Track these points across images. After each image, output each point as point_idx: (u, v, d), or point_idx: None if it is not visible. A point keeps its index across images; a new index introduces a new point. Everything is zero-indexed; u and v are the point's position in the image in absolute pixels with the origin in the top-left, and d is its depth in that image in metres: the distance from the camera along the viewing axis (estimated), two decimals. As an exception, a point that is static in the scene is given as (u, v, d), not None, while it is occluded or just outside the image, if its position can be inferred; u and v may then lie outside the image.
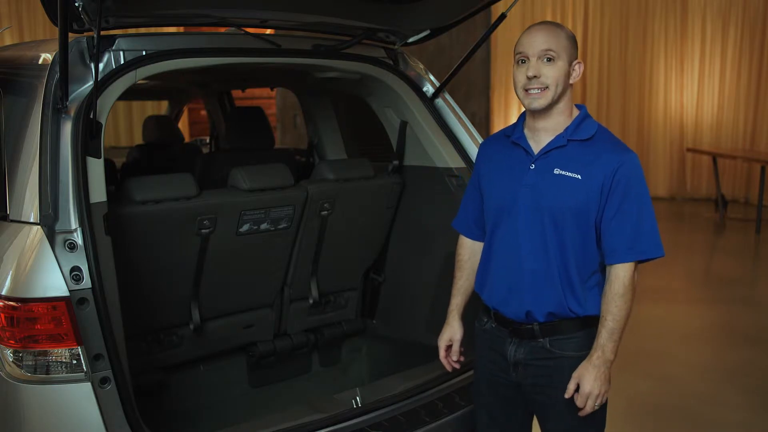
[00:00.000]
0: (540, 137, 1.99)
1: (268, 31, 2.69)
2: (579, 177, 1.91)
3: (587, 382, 1.90)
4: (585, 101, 10.63)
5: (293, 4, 2.38)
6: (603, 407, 2.01)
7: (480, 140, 2.81)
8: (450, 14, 2.61)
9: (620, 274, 1.90)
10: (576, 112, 2.00)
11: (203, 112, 7.84)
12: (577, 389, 1.93)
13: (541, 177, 1.96)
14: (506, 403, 2.12)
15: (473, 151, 2.77)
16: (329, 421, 2.21)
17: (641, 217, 1.90)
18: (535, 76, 1.90)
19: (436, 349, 2.50)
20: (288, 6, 2.39)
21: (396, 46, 2.79)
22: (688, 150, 9.72)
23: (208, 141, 5.60)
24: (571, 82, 1.95)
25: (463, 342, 2.23)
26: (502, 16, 2.62)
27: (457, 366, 2.26)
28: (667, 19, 10.13)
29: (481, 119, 10.04)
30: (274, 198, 2.63)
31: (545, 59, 1.90)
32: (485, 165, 2.13)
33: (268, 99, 8.85)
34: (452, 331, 2.23)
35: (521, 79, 1.93)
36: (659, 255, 1.93)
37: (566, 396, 1.92)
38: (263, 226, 2.64)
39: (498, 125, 10.36)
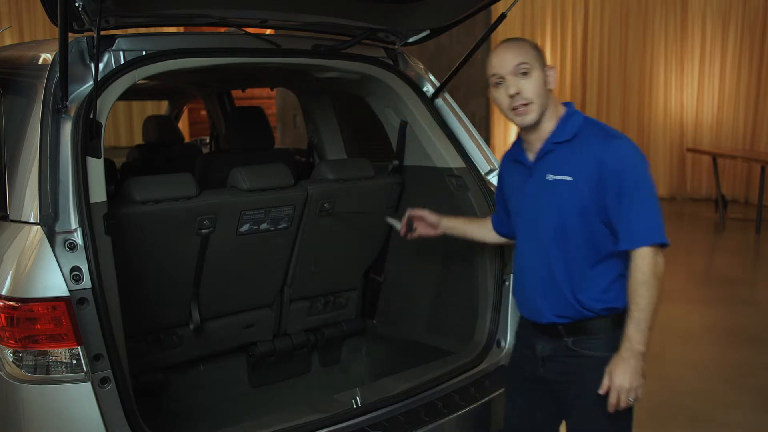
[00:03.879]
0: (534, 146, 2.03)
1: (268, 31, 2.69)
2: (570, 179, 1.93)
3: (617, 376, 1.89)
4: (585, 101, 10.63)
5: (293, 4, 2.38)
6: (626, 411, 1.99)
7: (480, 140, 2.82)
8: (450, 14, 2.61)
9: (638, 262, 1.88)
10: (563, 111, 2.03)
11: (203, 112, 7.83)
12: None
13: (538, 186, 2.00)
14: (532, 396, 2.16)
15: (473, 151, 2.78)
16: (329, 421, 2.21)
17: (642, 202, 1.89)
18: (517, 93, 1.93)
19: (435, 349, 2.50)
20: (288, 6, 2.39)
21: (396, 46, 2.79)
22: (688, 150, 9.72)
23: (208, 141, 5.60)
24: (550, 88, 1.98)
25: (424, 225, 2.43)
26: (502, 16, 2.62)
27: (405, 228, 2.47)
28: (667, 19, 10.13)
29: (480, 119, 10.02)
30: (274, 198, 2.63)
31: (521, 74, 1.94)
32: (505, 181, 2.23)
33: (268, 99, 8.85)
34: (430, 215, 2.41)
35: (504, 100, 1.96)
36: (661, 241, 1.89)
37: (600, 392, 1.92)
38: (263, 226, 2.64)
39: (498, 125, 10.36)
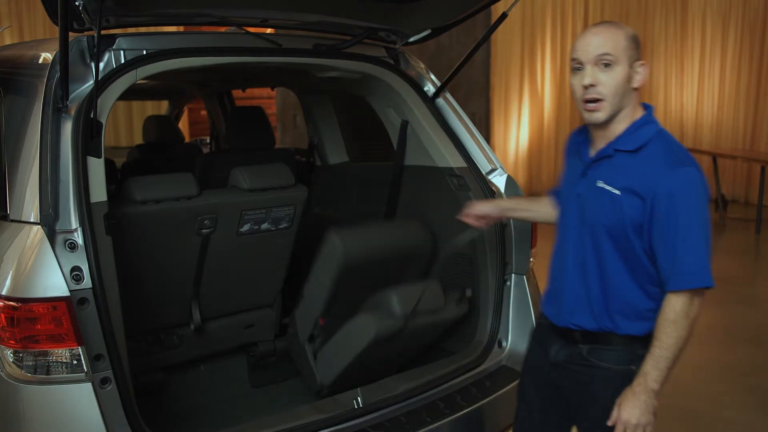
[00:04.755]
0: (597, 144, 1.88)
1: (269, 31, 2.69)
2: (618, 193, 1.79)
3: (625, 409, 1.79)
4: (585, 101, 10.61)
5: (294, 4, 2.38)
6: None
7: (481, 140, 2.82)
8: (451, 14, 2.60)
9: (672, 300, 1.77)
10: (639, 115, 1.85)
11: (203, 112, 7.83)
12: None
13: (587, 189, 1.87)
14: (544, 398, 2.07)
15: (474, 150, 2.77)
16: (330, 421, 2.20)
17: (686, 242, 1.74)
18: (591, 85, 1.77)
19: (436, 349, 2.47)
20: (289, 5, 2.39)
21: (397, 46, 2.78)
22: (688, 150, 9.71)
23: (208, 141, 5.60)
24: (635, 86, 1.80)
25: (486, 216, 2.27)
26: (503, 16, 2.61)
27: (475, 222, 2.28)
28: (667, 19, 10.13)
29: (481, 119, 10.04)
30: (275, 198, 2.63)
31: (602, 65, 1.76)
32: (566, 161, 2.07)
33: (268, 99, 8.85)
34: (487, 205, 2.28)
35: (578, 89, 1.81)
36: (705, 285, 1.77)
37: (609, 423, 1.82)
38: (264, 225, 2.64)
39: (498, 125, 10.36)
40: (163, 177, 2.52)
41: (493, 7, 2.88)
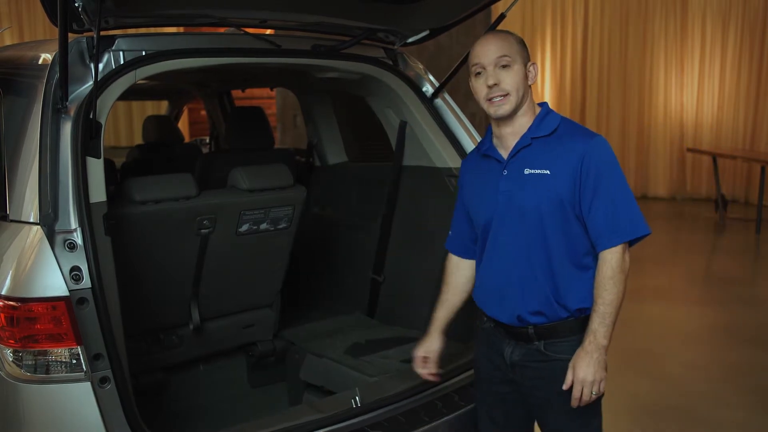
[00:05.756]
0: (507, 142, 2.02)
1: (268, 32, 2.69)
2: (548, 172, 1.94)
3: (581, 369, 1.88)
4: (585, 101, 10.63)
5: (293, 5, 2.39)
6: (597, 411, 2.01)
7: (480, 140, 2.82)
8: (450, 14, 2.61)
9: (608, 258, 1.90)
10: (538, 110, 2.04)
11: (203, 112, 7.83)
12: None
13: (514, 180, 1.98)
14: (504, 402, 2.12)
15: (473, 151, 2.78)
16: (329, 421, 2.21)
17: (617, 199, 1.91)
18: (495, 84, 1.94)
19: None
20: (288, 6, 2.39)
21: (396, 46, 2.79)
22: (688, 150, 9.72)
23: (208, 141, 5.61)
24: (529, 83, 1.99)
25: (441, 355, 2.23)
26: (502, 16, 2.62)
27: (435, 378, 2.26)
28: (667, 19, 10.14)
29: (480, 119, 9.99)
30: (274, 198, 2.63)
31: (501, 66, 1.94)
32: (466, 183, 2.18)
33: (268, 99, 8.85)
34: (430, 343, 2.23)
35: (482, 90, 1.97)
36: (644, 233, 1.92)
37: (564, 387, 1.90)
38: (263, 226, 2.64)
39: (498, 125, 10.36)
40: (162, 177, 2.52)
41: (492, 7, 2.88)
